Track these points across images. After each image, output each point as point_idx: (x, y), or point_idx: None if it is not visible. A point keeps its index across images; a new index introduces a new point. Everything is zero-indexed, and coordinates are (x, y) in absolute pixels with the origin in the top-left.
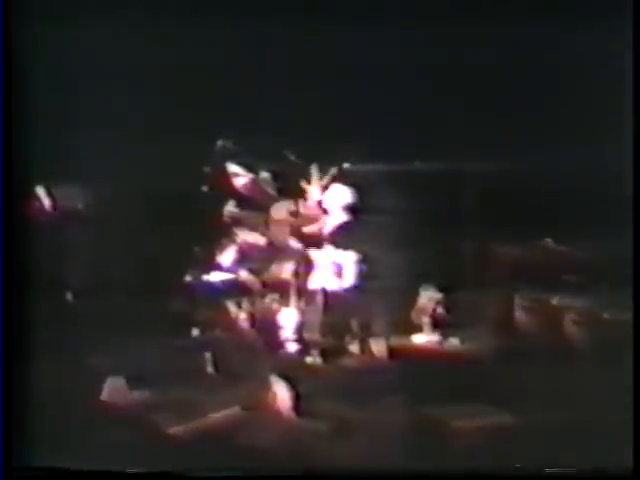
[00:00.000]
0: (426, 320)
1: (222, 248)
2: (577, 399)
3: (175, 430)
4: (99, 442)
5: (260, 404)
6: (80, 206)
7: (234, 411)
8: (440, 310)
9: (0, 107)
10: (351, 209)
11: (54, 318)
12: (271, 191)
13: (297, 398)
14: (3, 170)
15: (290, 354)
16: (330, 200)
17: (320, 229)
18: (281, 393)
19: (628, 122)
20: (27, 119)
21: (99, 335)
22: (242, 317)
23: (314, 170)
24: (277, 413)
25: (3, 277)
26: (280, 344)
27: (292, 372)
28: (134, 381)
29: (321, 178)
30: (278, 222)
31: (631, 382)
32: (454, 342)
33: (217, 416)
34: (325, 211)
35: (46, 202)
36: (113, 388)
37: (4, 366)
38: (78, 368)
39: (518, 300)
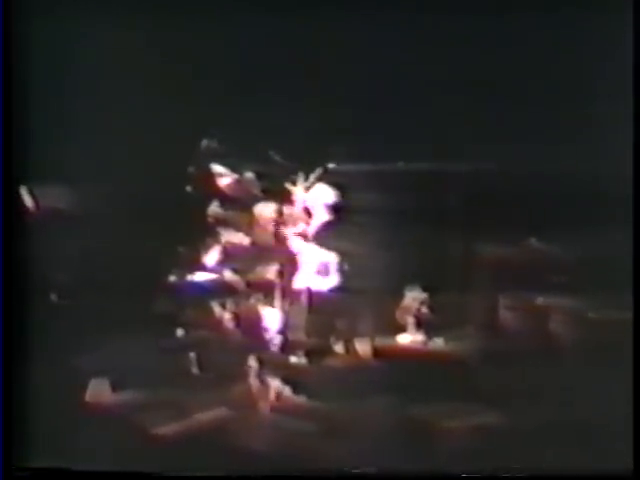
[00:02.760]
0: (411, 320)
1: (206, 248)
2: (565, 399)
3: (160, 431)
4: (85, 443)
5: (245, 404)
6: (63, 206)
7: (220, 411)
8: (425, 310)
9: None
10: (335, 209)
11: (39, 319)
12: (256, 191)
13: (280, 399)
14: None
15: (275, 354)
16: (314, 200)
17: (305, 229)
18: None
19: (618, 122)
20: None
21: (83, 336)
22: (227, 317)
23: (299, 171)
24: (263, 413)
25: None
26: (265, 344)
27: (277, 372)
28: (119, 382)
29: (306, 178)
30: (262, 222)
31: (625, 382)
32: (438, 342)
33: (203, 416)
34: (309, 211)
35: (29, 202)
36: (96, 389)
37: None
38: (65, 369)
39: (503, 300)
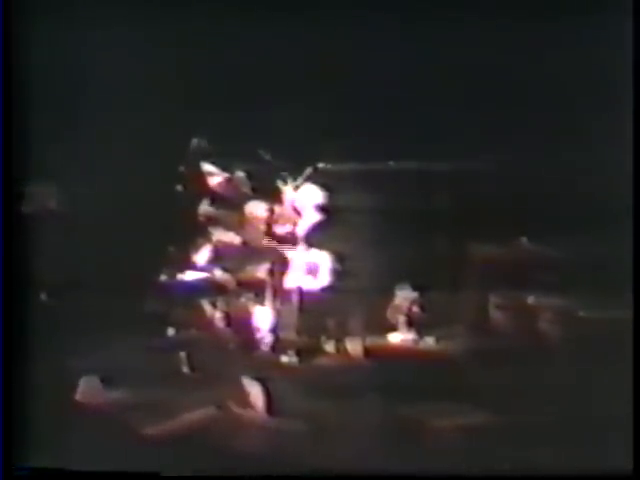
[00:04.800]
0: (401, 319)
1: (197, 247)
2: (558, 398)
3: (151, 430)
4: (77, 442)
5: (236, 404)
6: (54, 206)
7: (210, 411)
8: (415, 309)
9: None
10: (326, 209)
11: (28, 318)
12: (246, 190)
13: (270, 398)
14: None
15: (266, 353)
16: (305, 200)
17: (295, 228)
18: (254, 394)
19: (614, 122)
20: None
21: (75, 335)
22: (217, 316)
23: (289, 170)
24: (253, 413)
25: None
26: (255, 343)
27: (268, 371)
28: (110, 381)
29: (296, 178)
30: (253, 221)
31: (618, 380)
32: (429, 341)
33: (193, 416)
34: (300, 211)
35: (23, 202)
36: (88, 388)
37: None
38: (56, 369)
39: (493, 299)
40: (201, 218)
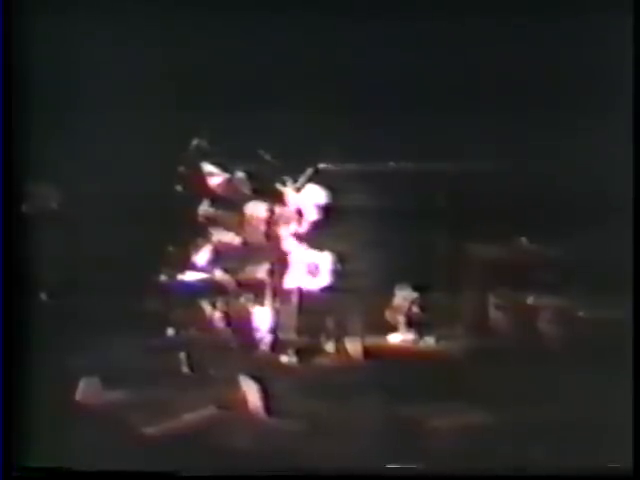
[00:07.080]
0: (401, 319)
1: (197, 248)
2: (557, 398)
3: (150, 430)
4: (77, 442)
5: (235, 404)
6: (53, 205)
7: (209, 411)
8: (415, 309)
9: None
10: (326, 209)
11: (28, 318)
12: (246, 191)
13: (269, 398)
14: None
15: (265, 353)
16: (305, 200)
17: (295, 229)
18: (251, 394)
19: (615, 122)
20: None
21: (74, 335)
22: (217, 317)
23: (290, 171)
24: (253, 413)
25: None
26: (255, 343)
27: (267, 371)
28: (110, 381)
29: (296, 179)
30: (253, 222)
31: (618, 381)
32: (429, 341)
33: (192, 416)
34: (300, 211)
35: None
36: (87, 389)
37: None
38: (55, 369)
39: (493, 299)
40: (201, 218)
